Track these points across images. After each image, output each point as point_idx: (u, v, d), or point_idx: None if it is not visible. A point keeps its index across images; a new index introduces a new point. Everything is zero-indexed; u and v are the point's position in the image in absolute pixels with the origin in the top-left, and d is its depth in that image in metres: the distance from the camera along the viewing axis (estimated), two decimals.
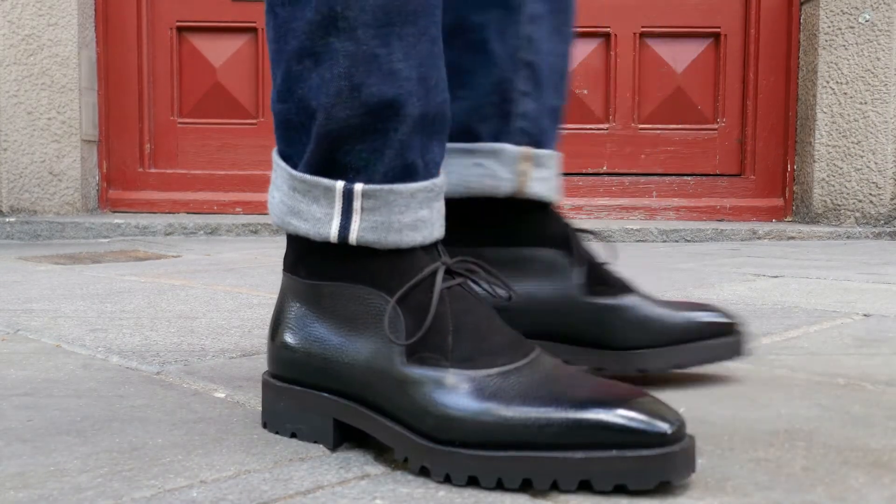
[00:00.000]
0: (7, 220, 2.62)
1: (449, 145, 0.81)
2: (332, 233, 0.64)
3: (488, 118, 0.83)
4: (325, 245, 0.66)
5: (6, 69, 2.75)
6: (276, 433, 0.69)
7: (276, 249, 2.27)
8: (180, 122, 3.01)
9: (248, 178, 2.99)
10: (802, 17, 2.91)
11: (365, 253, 0.65)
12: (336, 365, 0.65)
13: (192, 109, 3.01)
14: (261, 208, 2.96)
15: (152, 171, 3.01)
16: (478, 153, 0.83)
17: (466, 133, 0.83)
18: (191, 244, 2.42)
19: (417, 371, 0.61)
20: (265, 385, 0.71)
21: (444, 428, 0.58)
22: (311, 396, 0.67)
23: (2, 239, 2.57)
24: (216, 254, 2.17)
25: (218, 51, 3.00)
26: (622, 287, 0.84)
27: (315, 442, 0.67)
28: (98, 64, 2.94)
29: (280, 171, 0.68)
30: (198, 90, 3.01)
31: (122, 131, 2.99)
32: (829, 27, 2.80)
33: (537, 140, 0.85)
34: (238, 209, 2.96)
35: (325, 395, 0.66)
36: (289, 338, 0.69)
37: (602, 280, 0.84)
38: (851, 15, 2.78)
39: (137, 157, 3.00)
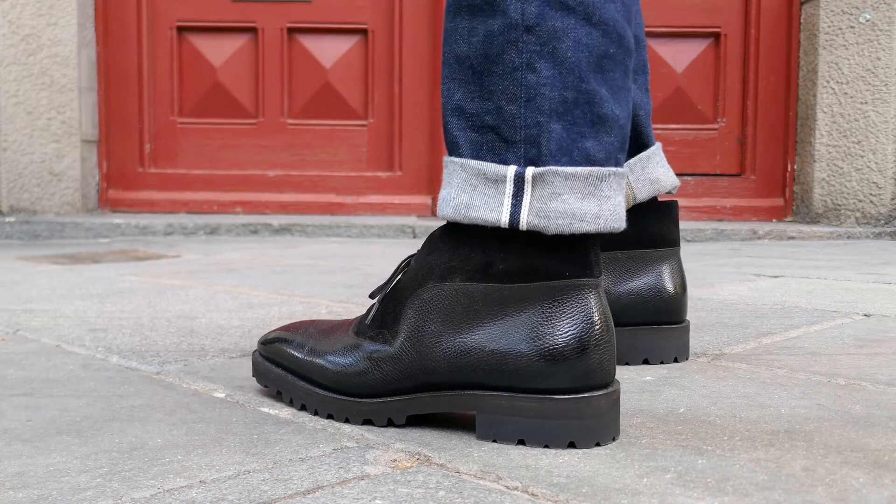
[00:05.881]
0: (7, 220, 2.62)
1: None
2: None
3: None
4: None
5: (6, 69, 2.75)
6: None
7: (276, 249, 2.27)
8: (180, 122, 3.01)
9: (247, 178, 2.99)
10: (803, 16, 2.91)
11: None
12: None
13: (192, 109, 3.01)
14: (260, 208, 2.96)
15: (152, 171, 3.00)
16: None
17: None
18: (191, 244, 2.42)
19: None
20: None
21: None
22: None
23: (2, 239, 2.57)
24: (216, 254, 2.17)
25: (218, 51, 3.00)
26: None
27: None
28: (98, 64, 2.94)
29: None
30: (198, 90, 3.01)
31: (121, 131, 2.99)
32: (830, 27, 2.80)
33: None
34: (238, 209, 2.96)
35: None
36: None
37: None
38: (852, 15, 2.78)
39: (137, 157, 3.00)
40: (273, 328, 0.88)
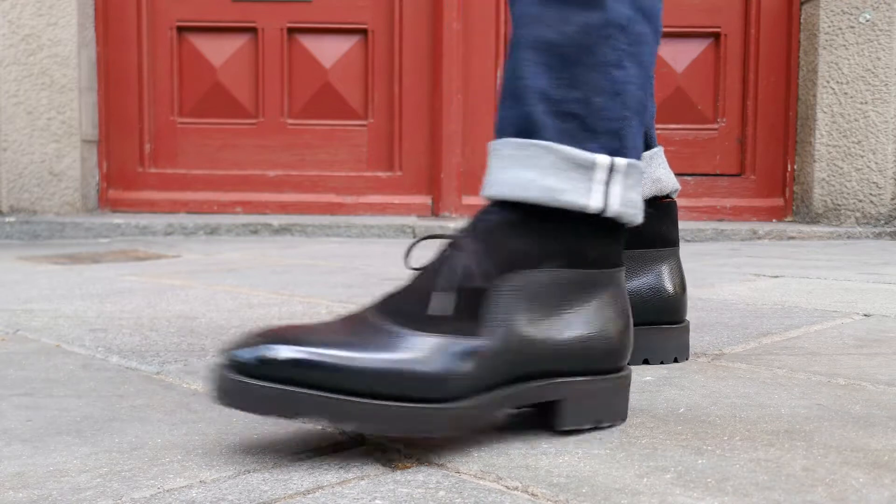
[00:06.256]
0: (7, 220, 2.62)
1: None
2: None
3: None
4: None
5: (6, 69, 2.75)
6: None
7: (276, 249, 2.27)
8: (180, 122, 3.01)
9: (247, 178, 2.99)
10: (802, 16, 2.91)
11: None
12: None
13: (192, 109, 3.01)
14: (260, 208, 2.96)
15: (152, 171, 3.01)
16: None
17: None
18: (191, 244, 2.42)
19: None
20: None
21: None
22: None
23: (2, 239, 2.57)
24: (216, 254, 2.17)
25: (218, 51, 3.00)
26: None
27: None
28: (98, 64, 2.94)
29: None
30: (198, 90, 3.01)
31: (122, 131, 2.99)
32: (830, 27, 2.80)
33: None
34: (238, 209, 2.96)
35: None
36: None
37: None
38: (852, 15, 2.78)
39: (137, 157, 3.00)
40: (242, 337, 0.63)
